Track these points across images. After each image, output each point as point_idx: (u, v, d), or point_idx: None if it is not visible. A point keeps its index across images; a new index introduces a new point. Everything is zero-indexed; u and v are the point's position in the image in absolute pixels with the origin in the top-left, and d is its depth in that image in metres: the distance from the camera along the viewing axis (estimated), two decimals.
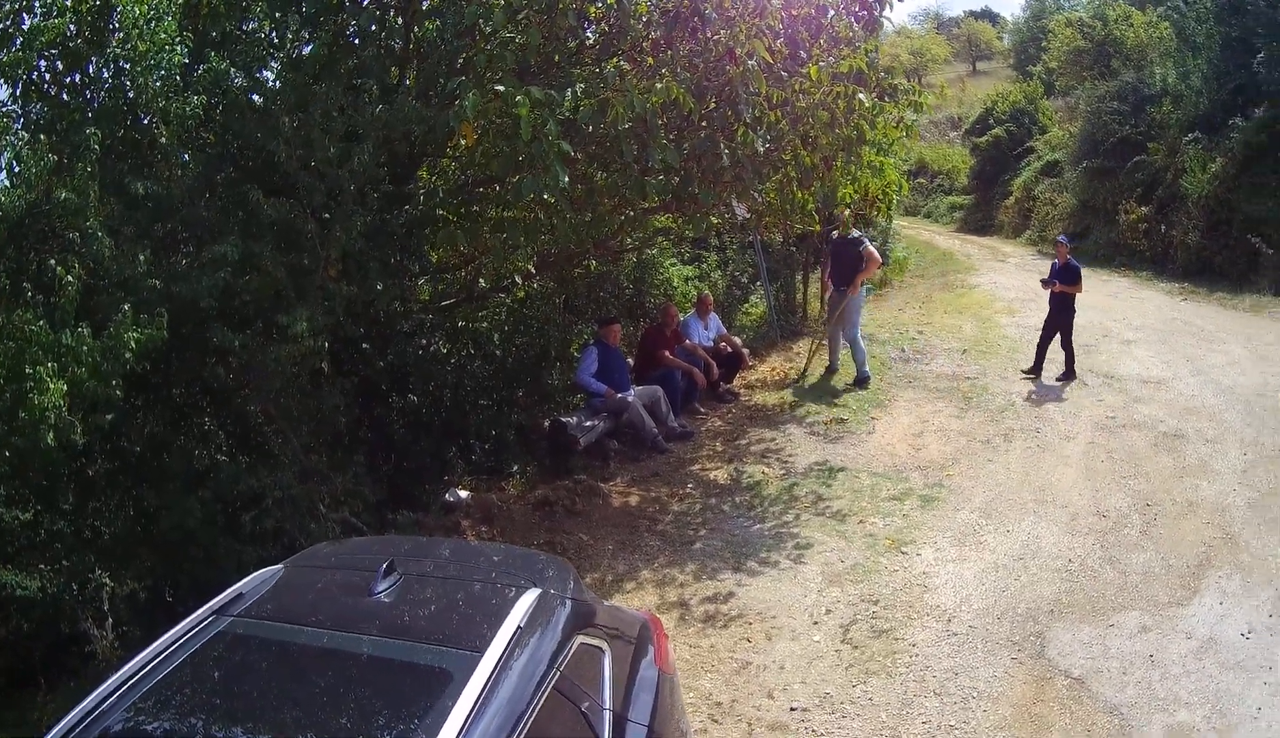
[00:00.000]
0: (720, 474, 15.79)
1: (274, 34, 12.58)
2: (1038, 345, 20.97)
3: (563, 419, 15.94)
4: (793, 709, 9.51)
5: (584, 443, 15.72)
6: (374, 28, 12.90)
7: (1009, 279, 34.42)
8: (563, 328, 18.66)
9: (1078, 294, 20.62)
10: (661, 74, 12.34)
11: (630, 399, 16.51)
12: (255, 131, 11.37)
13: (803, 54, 13.79)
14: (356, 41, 12.99)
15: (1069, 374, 20.54)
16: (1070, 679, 9.92)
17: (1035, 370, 20.82)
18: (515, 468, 15.73)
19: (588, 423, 15.93)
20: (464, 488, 14.65)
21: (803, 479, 15.53)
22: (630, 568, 12.68)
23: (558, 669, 5.70)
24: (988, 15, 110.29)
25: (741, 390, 20.29)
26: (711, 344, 19.68)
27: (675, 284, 22.95)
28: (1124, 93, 41.65)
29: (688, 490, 15.15)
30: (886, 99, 15.01)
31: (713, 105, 12.91)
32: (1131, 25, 46.40)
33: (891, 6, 15.34)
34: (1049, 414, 18.45)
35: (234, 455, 11.47)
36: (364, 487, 12.34)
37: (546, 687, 5.50)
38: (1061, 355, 20.62)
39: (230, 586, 6.11)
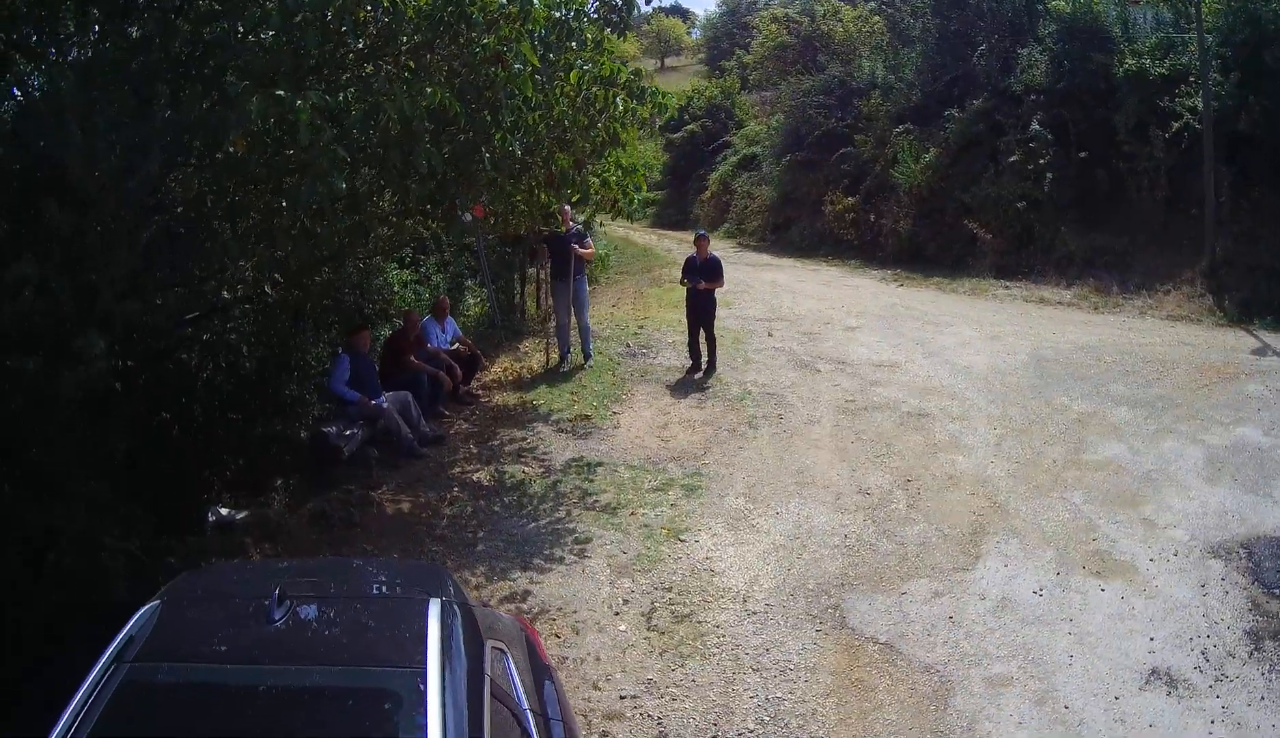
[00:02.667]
0: (483, 476, 16.23)
1: (76, 35, 12.34)
2: (689, 344, 21.82)
3: (324, 430, 16.07)
4: (622, 697, 10.16)
5: (347, 452, 15.87)
6: (160, 31, 12.78)
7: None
8: (298, 336, 18.66)
9: (719, 288, 21.65)
10: (423, 77, 12.66)
11: (385, 406, 16.77)
12: (43, 140, 11.16)
13: (551, 56, 14.26)
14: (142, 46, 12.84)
15: (711, 368, 21.48)
16: (879, 645, 10.92)
17: (696, 366, 21.66)
18: (279, 482, 15.65)
19: (348, 432, 16.07)
20: (226, 507, 14.57)
21: (564, 476, 16.14)
22: None
23: (488, 676, 5.92)
24: (677, 11, 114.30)
25: (480, 392, 20.78)
26: (450, 347, 20.13)
27: (395, 288, 23.15)
28: (830, 86, 43.78)
29: (455, 493, 15.52)
30: (635, 101, 15.63)
31: (472, 107, 13.21)
32: (840, 20, 48.45)
33: (639, 10, 16.00)
34: (788, 400, 19.50)
35: (17, 490, 11.19)
36: (148, 514, 12.24)
37: (487, 694, 5.72)
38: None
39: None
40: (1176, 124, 28.95)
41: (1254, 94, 28.05)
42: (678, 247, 44.01)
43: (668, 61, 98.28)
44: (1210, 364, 20.56)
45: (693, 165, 55.79)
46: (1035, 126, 33.14)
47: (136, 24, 12.38)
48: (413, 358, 18.64)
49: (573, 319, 22.17)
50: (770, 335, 24.75)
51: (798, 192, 43.33)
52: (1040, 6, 36.25)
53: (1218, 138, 27.65)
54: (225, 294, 15.80)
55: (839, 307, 28.37)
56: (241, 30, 12.08)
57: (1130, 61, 31.07)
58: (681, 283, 21.95)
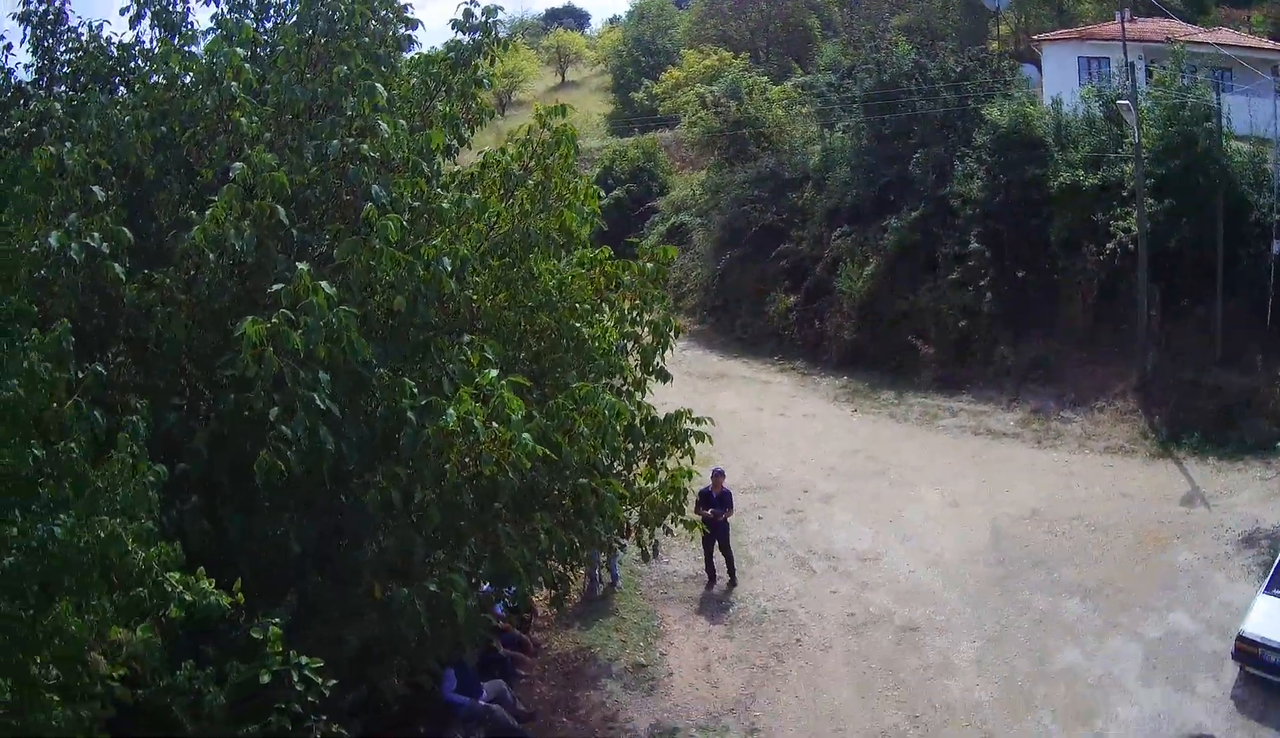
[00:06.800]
0: None
1: None
2: (706, 562, 28.13)
3: None
4: None
5: None
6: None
7: (678, 397, 37.84)
8: None
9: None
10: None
11: (494, 708, 20.91)
12: None
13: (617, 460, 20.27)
14: None
15: (732, 581, 28.01)
16: None
17: (712, 581, 28.11)
18: None
19: None
20: None
21: None
22: None
23: None
24: (571, 13, 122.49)
25: (538, 635, 25.93)
26: None
27: None
28: (763, 177, 49.09)
29: None
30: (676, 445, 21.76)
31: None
32: (769, 100, 54.49)
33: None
34: (799, 619, 25.92)
35: None
36: None
37: None
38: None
39: None
40: (1110, 244, 35.48)
41: (1186, 216, 34.43)
42: None
43: (568, 75, 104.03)
44: (1147, 529, 27.85)
45: (621, 229, 56.52)
46: (974, 244, 39.25)
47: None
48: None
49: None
50: (760, 519, 30.96)
51: (738, 284, 48.52)
52: (973, 107, 42.02)
53: (1149, 255, 34.12)
54: None
55: (808, 459, 34.84)
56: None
57: (1065, 174, 37.39)
58: (697, 512, 26.27)
